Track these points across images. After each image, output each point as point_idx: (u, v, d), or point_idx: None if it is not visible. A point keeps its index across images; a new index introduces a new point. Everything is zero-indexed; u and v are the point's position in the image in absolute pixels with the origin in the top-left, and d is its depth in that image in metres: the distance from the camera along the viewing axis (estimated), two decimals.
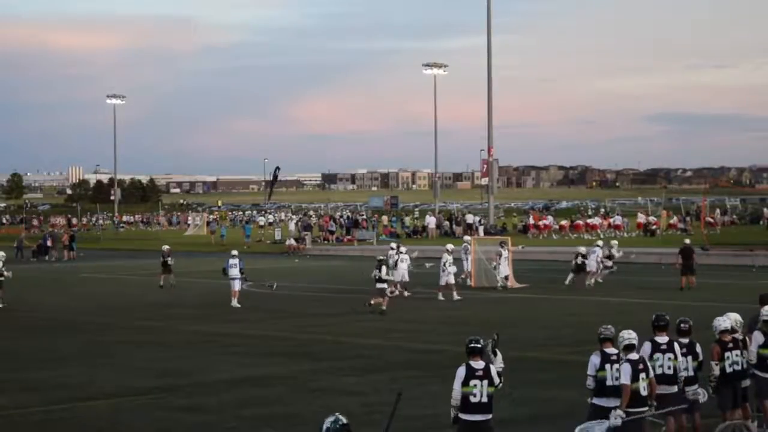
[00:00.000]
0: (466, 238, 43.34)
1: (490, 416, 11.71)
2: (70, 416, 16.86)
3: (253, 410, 16.90)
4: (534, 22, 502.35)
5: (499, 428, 15.06)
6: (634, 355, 12.28)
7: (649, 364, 12.45)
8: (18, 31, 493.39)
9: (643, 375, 12.15)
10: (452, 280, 34.11)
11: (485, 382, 11.58)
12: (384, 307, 30.49)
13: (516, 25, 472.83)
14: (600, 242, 40.48)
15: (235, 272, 33.61)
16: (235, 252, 35.39)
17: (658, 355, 13.07)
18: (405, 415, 11.40)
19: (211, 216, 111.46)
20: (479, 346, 11.75)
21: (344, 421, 8.48)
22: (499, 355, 12.23)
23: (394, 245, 37.86)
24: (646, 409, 12.18)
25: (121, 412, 17.01)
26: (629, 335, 12.35)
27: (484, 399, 11.58)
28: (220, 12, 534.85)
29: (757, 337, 13.90)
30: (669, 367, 13.09)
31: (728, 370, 13.55)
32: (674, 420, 13.19)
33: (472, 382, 11.57)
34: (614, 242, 42.05)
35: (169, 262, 40.94)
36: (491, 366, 11.82)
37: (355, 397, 17.65)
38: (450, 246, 35.84)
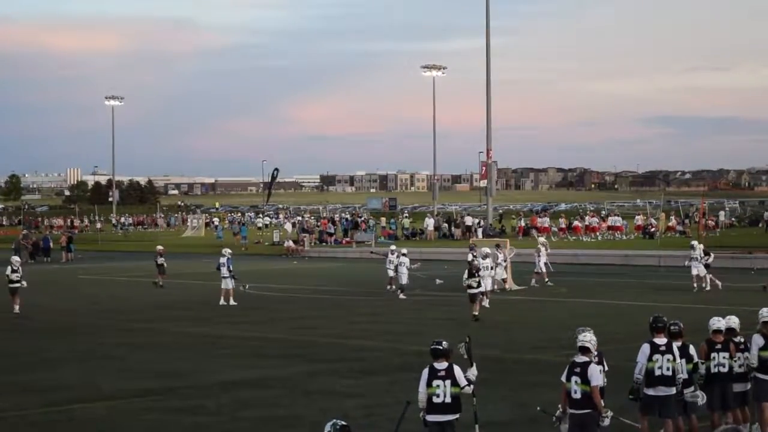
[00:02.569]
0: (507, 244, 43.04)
1: (455, 416, 11.87)
2: (68, 418, 16.84)
3: (251, 412, 16.87)
4: (533, 24, 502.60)
5: (499, 430, 15.08)
6: (580, 358, 12.26)
7: (592, 371, 12.12)
8: (16, 32, 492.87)
9: (576, 378, 12.11)
10: (488, 286, 32.56)
11: (448, 382, 11.80)
12: (476, 313, 28.80)
13: (515, 27, 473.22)
14: (695, 242, 38.22)
15: (224, 271, 34.04)
16: (225, 251, 35.45)
17: (657, 356, 13.05)
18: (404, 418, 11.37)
19: (228, 216, 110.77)
20: (441, 348, 12.05)
21: (343, 422, 8.55)
22: (474, 368, 12.21)
23: (393, 247, 38.05)
24: (589, 411, 12.03)
25: (119, 414, 16.98)
26: (583, 338, 12.37)
27: (448, 399, 11.79)
28: (218, 13, 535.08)
29: (757, 340, 13.88)
30: (668, 369, 13.07)
31: (713, 370, 13.62)
32: (671, 422, 13.19)
33: (435, 383, 11.81)
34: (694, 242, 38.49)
35: (159, 262, 41.43)
36: (455, 366, 11.98)
37: (354, 400, 17.63)
38: (486, 249, 34.85)
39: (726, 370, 13.67)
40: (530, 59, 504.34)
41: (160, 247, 43.36)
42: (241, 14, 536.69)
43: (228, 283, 34.04)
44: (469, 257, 34.15)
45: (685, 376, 13.30)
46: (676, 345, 13.32)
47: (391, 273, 37.34)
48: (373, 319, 29.79)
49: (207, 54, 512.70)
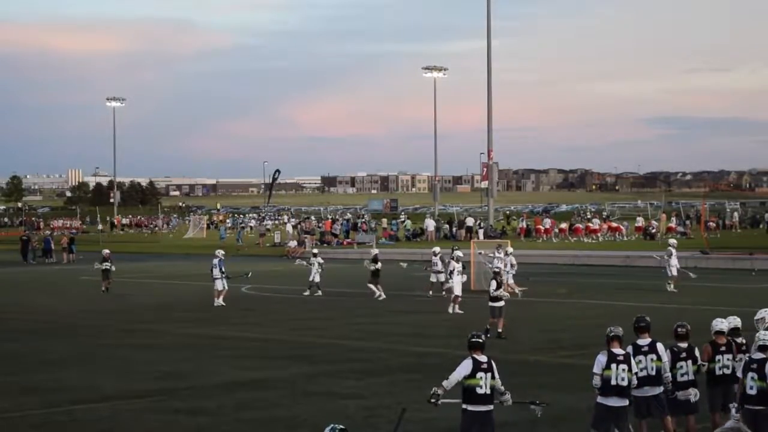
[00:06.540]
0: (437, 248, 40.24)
1: (492, 407, 12.39)
2: (69, 419, 16.84)
3: (252, 413, 16.88)
4: (534, 25, 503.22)
5: (500, 431, 15.07)
6: (756, 354, 12.65)
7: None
8: (17, 34, 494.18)
9: (752, 375, 12.52)
10: (458, 291, 31.53)
11: (489, 374, 12.32)
12: (500, 330, 25.25)
13: (516, 29, 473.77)
14: (509, 248, 37.30)
15: (216, 272, 34.26)
16: (218, 252, 35.46)
17: (640, 357, 13.12)
18: (404, 419, 11.38)
19: (244, 218, 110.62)
20: (481, 340, 12.50)
21: (341, 426, 8.60)
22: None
23: (437, 249, 37.15)
24: (763, 408, 12.39)
25: (120, 415, 16.99)
26: (764, 336, 12.80)
27: (488, 390, 12.30)
28: (219, 15, 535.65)
29: None
30: (652, 369, 13.14)
31: (717, 372, 13.61)
32: (671, 420, 13.27)
33: (479, 375, 12.26)
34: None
35: (104, 267, 40.32)
36: (491, 360, 12.46)
37: (354, 401, 17.64)
38: (458, 253, 33.48)
39: (730, 371, 13.66)
40: (531, 60, 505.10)
41: (106, 251, 42.26)
42: (241, 15, 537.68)
43: (219, 284, 34.16)
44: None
45: (690, 377, 13.36)
46: (681, 346, 13.37)
47: (433, 279, 35.83)
48: (374, 321, 29.80)
49: (208, 55, 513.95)
